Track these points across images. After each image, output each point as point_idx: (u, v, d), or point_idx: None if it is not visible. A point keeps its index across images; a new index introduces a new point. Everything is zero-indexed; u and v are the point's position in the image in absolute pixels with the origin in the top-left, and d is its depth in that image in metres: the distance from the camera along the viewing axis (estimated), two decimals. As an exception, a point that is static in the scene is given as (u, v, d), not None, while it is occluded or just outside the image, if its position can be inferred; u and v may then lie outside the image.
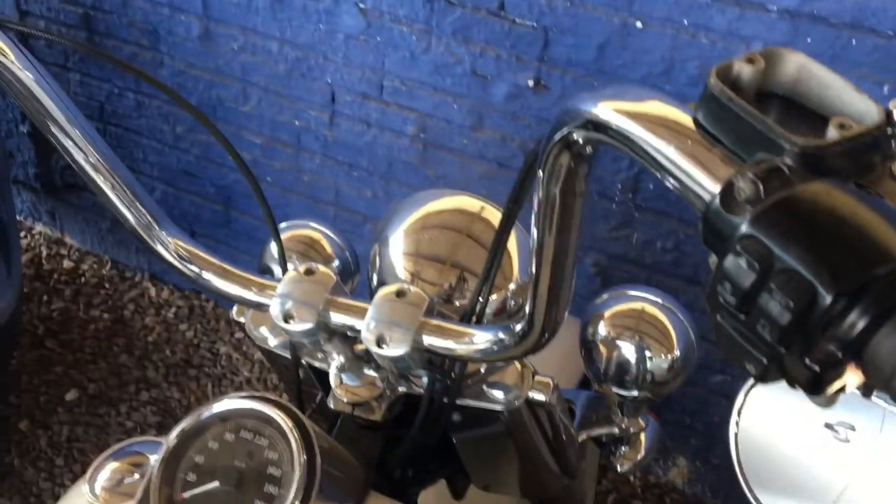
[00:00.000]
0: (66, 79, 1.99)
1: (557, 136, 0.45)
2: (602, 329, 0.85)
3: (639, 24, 1.34)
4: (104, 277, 2.13)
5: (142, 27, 1.81)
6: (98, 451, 1.56)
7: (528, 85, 1.49)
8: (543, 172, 0.48)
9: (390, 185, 1.73)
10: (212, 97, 1.82)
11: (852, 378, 0.32)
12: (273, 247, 0.90)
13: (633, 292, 0.87)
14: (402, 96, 1.61)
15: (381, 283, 0.91)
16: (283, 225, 0.95)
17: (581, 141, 0.43)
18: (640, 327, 0.85)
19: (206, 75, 1.80)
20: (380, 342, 0.69)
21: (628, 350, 0.84)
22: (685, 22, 1.31)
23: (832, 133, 0.34)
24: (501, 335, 0.65)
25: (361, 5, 1.55)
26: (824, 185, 0.33)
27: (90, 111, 2.01)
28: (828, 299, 0.29)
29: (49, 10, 1.91)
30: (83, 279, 2.12)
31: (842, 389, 0.33)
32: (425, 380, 0.74)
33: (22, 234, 2.23)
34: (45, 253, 2.19)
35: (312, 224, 0.96)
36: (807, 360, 0.31)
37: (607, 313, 0.86)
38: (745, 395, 0.72)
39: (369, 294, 0.93)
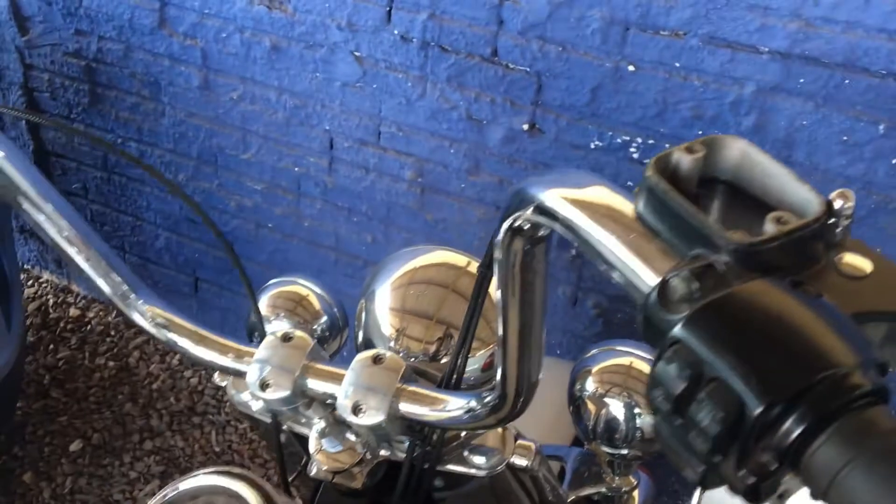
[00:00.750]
0: (71, 129, 2.01)
1: (508, 221, 0.44)
2: (589, 385, 0.84)
3: (631, 68, 1.34)
4: (109, 325, 2.14)
5: (143, 78, 1.83)
6: (101, 503, 1.54)
7: (522, 129, 1.49)
8: (500, 252, 0.47)
9: (390, 229, 1.73)
10: (213, 145, 1.83)
11: (796, 482, 0.31)
12: (260, 303, 0.90)
13: (620, 347, 0.86)
14: (398, 142, 1.61)
15: (367, 340, 0.90)
16: (270, 282, 0.95)
17: (530, 225, 0.43)
18: (627, 383, 0.83)
19: (207, 124, 1.81)
20: (356, 410, 0.68)
21: (616, 407, 0.83)
22: (677, 65, 1.30)
23: (769, 228, 0.33)
24: (475, 403, 0.64)
25: (357, 53, 1.56)
26: (760, 284, 0.32)
27: (94, 161, 2.03)
28: (757, 410, 0.28)
29: (52, 64, 1.93)
30: (89, 327, 2.13)
31: (786, 493, 0.31)
32: (406, 445, 0.73)
33: (29, 282, 2.25)
34: (51, 301, 2.20)
35: (300, 281, 0.96)
36: (742, 471, 0.30)
37: (594, 369, 0.85)
38: (700, 495, 0.71)
39: (356, 351, 0.92)
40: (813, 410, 0.28)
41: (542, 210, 0.41)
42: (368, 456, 0.75)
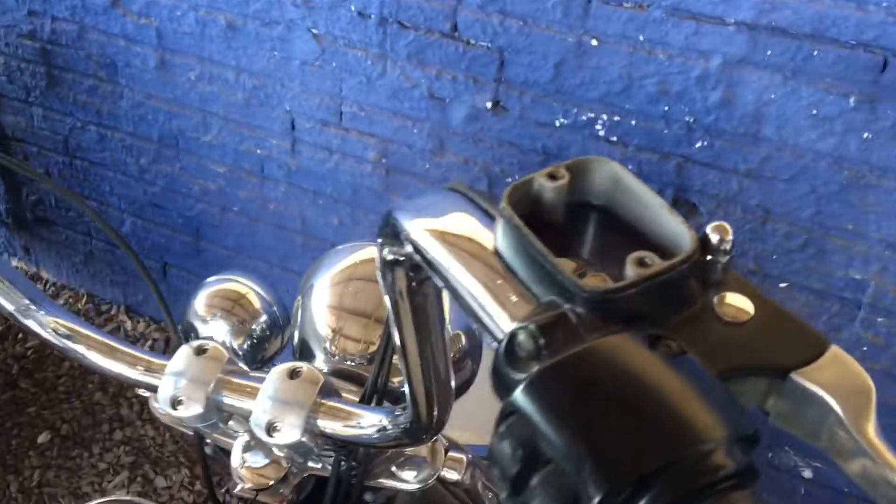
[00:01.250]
0: (30, 113, 1.95)
1: (381, 252, 0.40)
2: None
3: (594, 42, 1.29)
4: (80, 311, 2.10)
5: (99, 60, 1.77)
6: (69, 496, 1.51)
7: (486, 107, 1.43)
8: (382, 283, 0.43)
9: (356, 212, 1.68)
10: (173, 128, 1.78)
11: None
12: (197, 302, 0.86)
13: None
14: (361, 122, 1.56)
15: (303, 341, 0.86)
16: (208, 280, 0.90)
17: (404, 258, 0.38)
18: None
19: (166, 106, 1.75)
20: (270, 430, 0.64)
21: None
22: (641, 38, 1.25)
23: (629, 272, 0.28)
24: (387, 422, 0.60)
25: (314, 31, 1.50)
26: (613, 341, 0.27)
27: (55, 145, 1.98)
28: (593, 501, 0.24)
29: (7, 46, 1.87)
30: (60, 314, 2.08)
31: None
32: (333, 459, 0.70)
33: (-1, 269, 2.20)
34: (21, 288, 2.15)
35: (239, 279, 0.91)
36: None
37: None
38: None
39: (293, 351, 0.88)
40: (662, 498, 0.24)
41: (396, 234, 0.37)
42: (294, 470, 0.71)
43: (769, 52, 1.17)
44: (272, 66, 1.58)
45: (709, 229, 0.29)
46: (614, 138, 1.35)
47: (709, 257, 0.29)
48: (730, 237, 0.29)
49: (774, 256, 1.34)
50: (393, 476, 0.69)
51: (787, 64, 1.17)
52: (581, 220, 0.33)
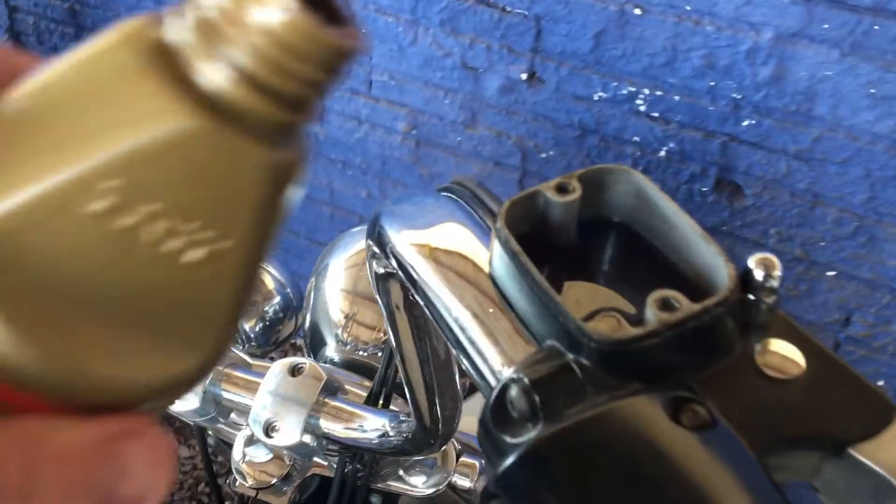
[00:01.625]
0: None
1: (367, 251, 0.35)
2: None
3: (637, 11, 1.21)
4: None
5: (127, 21, 1.73)
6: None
7: (521, 78, 1.37)
8: (372, 283, 0.38)
9: (385, 184, 1.63)
10: (201, 93, 1.74)
11: None
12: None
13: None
14: (391, 91, 1.50)
15: (314, 325, 0.82)
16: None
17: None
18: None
19: (194, 70, 1.71)
20: (268, 430, 0.60)
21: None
22: (687, 7, 1.17)
23: (650, 315, 0.23)
24: (390, 428, 0.56)
25: (344, -5, 1.44)
26: (629, 406, 0.22)
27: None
28: None
29: (37, 6, 1.84)
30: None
31: None
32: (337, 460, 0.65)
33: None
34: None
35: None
36: None
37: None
38: None
39: (304, 337, 0.84)
40: None
41: (392, 256, 0.31)
42: (298, 468, 0.67)
43: (826, 26, 1.09)
44: (301, 32, 1.53)
45: (752, 262, 0.24)
46: (656, 114, 1.28)
47: (751, 296, 0.24)
48: (778, 272, 0.24)
49: (823, 243, 1.26)
50: (401, 480, 0.65)
51: (845, 39, 1.09)
52: (597, 239, 0.27)
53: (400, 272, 0.30)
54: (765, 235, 1.30)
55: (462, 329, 0.26)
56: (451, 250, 0.28)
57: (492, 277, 0.27)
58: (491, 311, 0.26)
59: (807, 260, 1.29)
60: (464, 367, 0.27)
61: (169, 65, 0.19)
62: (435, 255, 0.28)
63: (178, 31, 0.19)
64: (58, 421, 0.18)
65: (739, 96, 1.20)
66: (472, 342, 0.26)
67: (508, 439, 0.22)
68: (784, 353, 0.24)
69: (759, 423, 0.23)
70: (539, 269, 0.25)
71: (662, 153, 1.31)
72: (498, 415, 0.23)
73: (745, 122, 1.22)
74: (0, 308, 0.18)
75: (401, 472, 0.64)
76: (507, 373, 0.24)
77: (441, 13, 1.37)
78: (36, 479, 0.17)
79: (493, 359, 0.25)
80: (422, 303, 0.29)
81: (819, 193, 1.22)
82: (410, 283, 0.29)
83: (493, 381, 0.25)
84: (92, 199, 0.18)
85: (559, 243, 0.27)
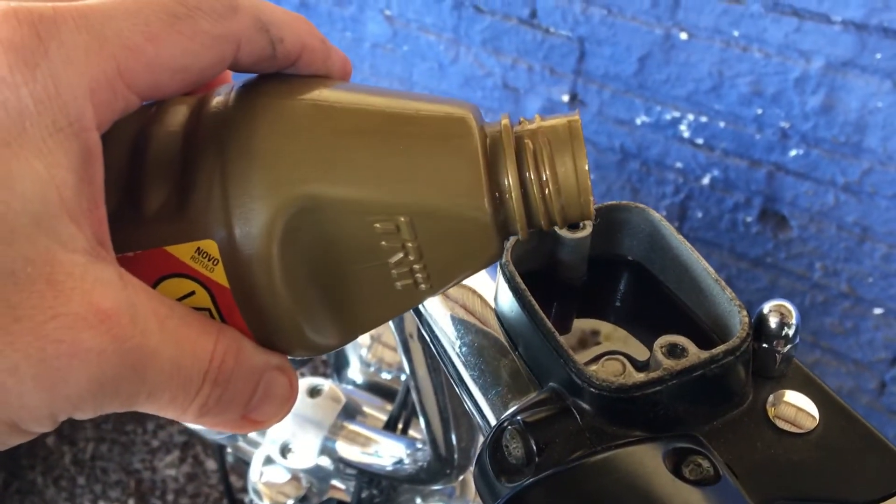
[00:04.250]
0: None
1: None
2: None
3: (683, 36, 1.19)
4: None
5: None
6: (121, 471, 1.51)
7: (562, 100, 1.35)
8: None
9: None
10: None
11: None
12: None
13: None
14: (432, 109, 1.50)
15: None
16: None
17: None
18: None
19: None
20: (284, 452, 0.59)
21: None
22: (735, 33, 1.15)
23: (656, 361, 0.22)
24: (406, 457, 0.55)
25: (387, 12, 1.44)
26: (627, 455, 0.21)
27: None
28: None
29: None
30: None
31: None
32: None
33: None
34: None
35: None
36: None
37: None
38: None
39: (329, 355, 0.83)
40: None
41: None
42: (315, 490, 0.66)
43: (878, 56, 1.06)
44: (343, 47, 1.53)
45: (766, 308, 0.22)
46: (700, 141, 1.26)
47: (765, 345, 0.22)
48: (793, 321, 0.22)
49: (870, 279, 1.22)
50: (417, 508, 0.64)
51: (899, 69, 1.06)
52: (609, 277, 0.26)
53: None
54: (810, 269, 1.27)
55: (464, 365, 0.25)
56: (459, 285, 0.27)
57: (497, 314, 0.25)
58: (494, 348, 0.25)
59: (853, 296, 1.25)
60: (465, 405, 0.26)
61: (486, 161, 0.24)
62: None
63: (503, 140, 0.25)
64: (251, 343, 0.24)
65: (787, 125, 1.17)
66: (473, 379, 0.25)
67: (502, 483, 0.21)
68: (798, 405, 0.22)
69: (767, 479, 0.21)
70: (548, 306, 0.24)
71: (706, 180, 1.29)
72: (493, 457, 0.22)
73: (793, 152, 1.19)
74: (280, 262, 0.23)
75: (418, 501, 0.63)
76: (505, 414, 0.23)
77: (483, 32, 1.36)
78: (231, 374, 0.23)
79: (493, 398, 0.24)
80: (427, 336, 0.28)
81: (868, 227, 1.18)
82: (416, 315, 0.28)
83: (492, 421, 0.24)
84: (382, 220, 0.24)
85: (570, 280, 0.26)
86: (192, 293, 0.24)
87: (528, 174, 0.24)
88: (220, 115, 0.24)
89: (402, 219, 0.23)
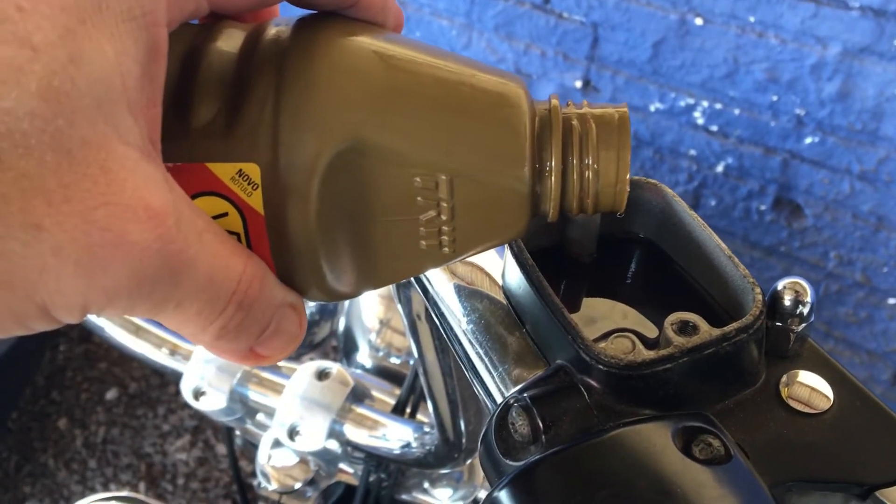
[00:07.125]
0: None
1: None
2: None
3: (698, 21, 1.18)
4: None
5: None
6: (132, 454, 1.52)
7: (576, 86, 1.34)
8: (393, 289, 0.37)
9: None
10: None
11: None
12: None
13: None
14: (444, 95, 1.49)
15: (348, 329, 0.81)
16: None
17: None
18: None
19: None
20: (292, 434, 0.59)
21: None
22: (751, 19, 1.13)
23: (667, 338, 0.21)
24: (414, 440, 0.54)
25: (401, -3, 1.43)
26: (636, 433, 0.20)
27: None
28: None
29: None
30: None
31: None
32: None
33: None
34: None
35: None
36: None
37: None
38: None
39: (337, 340, 0.83)
40: None
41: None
42: (323, 474, 0.66)
43: (897, 41, 1.05)
44: (358, 33, 1.53)
45: (781, 286, 0.22)
46: (714, 128, 1.25)
47: (779, 323, 0.22)
48: (808, 299, 0.22)
49: (885, 269, 1.21)
50: (426, 492, 0.63)
51: (918, 55, 1.04)
52: (620, 255, 0.26)
53: (415, 282, 0.28)
54: (824, 258, 1.26)
55: (471, 342, 0.25)
56: (467, 261, 0.27)
57: (504, 291, 0.25)
58: (501, 325, 0.24)
59: (868, 285, 1.23)
60: (472, 383, 0.25)
61: (532, 135, 0.24)
62: (450, 266, 0.27)
63: (551, 119, 0.25)
64: (273, 275, 0.24)
65: (803, 112, 1.16)
66: (479, 357, 0.24)
67: (508, 461, 0.21)
68: (812, 385, 0.22)
69: (780, 460, 0.20)
70: (556, 283, 0.23)
71: (720, 168, 1.27)
72: (499, 435, 0.21)
73: (808, 140, 1.18)
74: (318, 198, 0.23)
75: (426, 485, 0.63)
76: (512, 391, 0.23)
77: (496, 17, 1.35)
78: (254, 300, 0.23)
79: (499, 376, 0.24)
80: (434, 314, 0.27)
81: (884, 216, 1.17)
82: (423, 292, 0.28)
83: (498, 399, 0.24)
84: (423, 174, 0.24)
85: (579, 257, 0.25)
86: (226, 214, 0.24)
87: (570, 157, 0.24)
88: (280, 43, 0.24)
89: (443, 177, 0.24)
